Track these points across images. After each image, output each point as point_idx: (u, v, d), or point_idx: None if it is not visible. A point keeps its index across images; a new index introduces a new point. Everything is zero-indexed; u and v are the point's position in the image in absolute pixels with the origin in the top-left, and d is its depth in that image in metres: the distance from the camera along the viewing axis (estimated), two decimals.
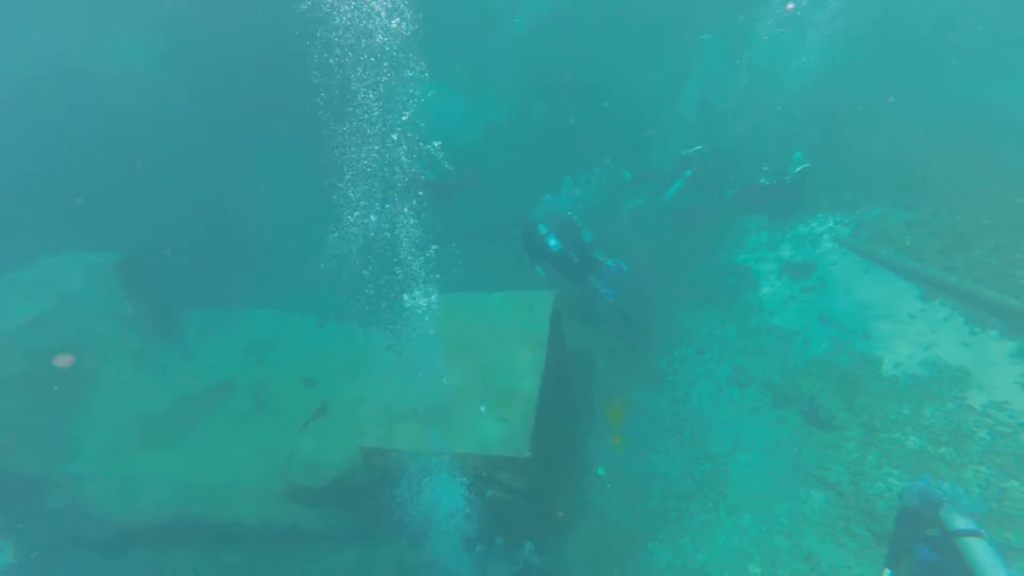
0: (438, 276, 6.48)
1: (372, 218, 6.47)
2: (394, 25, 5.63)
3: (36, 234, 9.45)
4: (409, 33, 5.82)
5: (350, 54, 5.97)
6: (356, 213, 6.78)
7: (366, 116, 6.35)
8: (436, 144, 6.52)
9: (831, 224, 8.87)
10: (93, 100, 10.83)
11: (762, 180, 9.49)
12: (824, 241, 8.62)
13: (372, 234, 6.81)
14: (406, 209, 6.55)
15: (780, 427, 6.97)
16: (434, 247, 6.34)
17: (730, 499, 6.44)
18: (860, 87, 10.56)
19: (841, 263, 8.15)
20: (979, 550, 3.86)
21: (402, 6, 5.86)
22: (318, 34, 5.90)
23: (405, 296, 7.01)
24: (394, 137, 6.23)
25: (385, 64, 6.12)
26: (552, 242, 7.94)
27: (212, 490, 6.49)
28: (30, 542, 6.32)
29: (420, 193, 6.50)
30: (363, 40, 5.86)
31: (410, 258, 6.58)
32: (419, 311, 7.20)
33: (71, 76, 10.86)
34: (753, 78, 10.74)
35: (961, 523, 4.02)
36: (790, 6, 10.26)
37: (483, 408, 5.79)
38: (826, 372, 7.07)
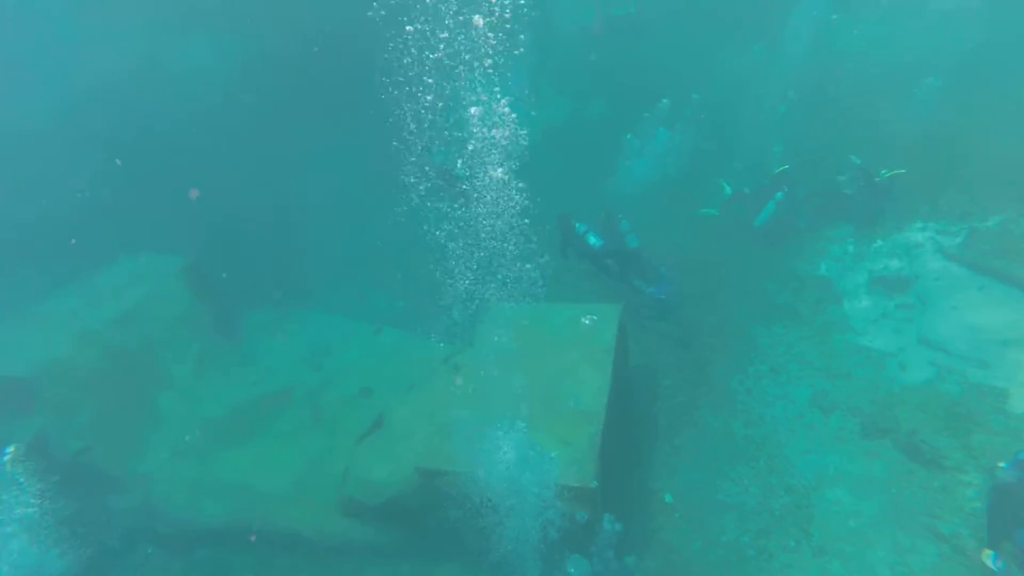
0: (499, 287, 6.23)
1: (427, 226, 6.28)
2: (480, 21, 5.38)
3: (114, 235, 9.93)
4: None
5: (414, 56, 5.78)
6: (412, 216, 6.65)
7: (426, 121, 6.15)
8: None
9: (931, 233, 7.95)
10: (166, 101, 11.24)
11: (845, 189, 8.67)
12: (924, 252, 7.73)
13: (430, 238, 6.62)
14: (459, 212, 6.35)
15: (872, 461, 6.27)
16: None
17: (815, 539, 5.82)
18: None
19: (945, 278, 7.26)
20: None
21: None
22: (386, 37, 5.75)
23: (463, 306, 6.81)
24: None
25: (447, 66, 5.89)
26: (592, 239, 7.81)
27: (269, 498, 6.51)
28: (99, 538, 6.51)
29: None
30: (428, 43, 5.63)
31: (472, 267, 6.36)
32: (478, 323, 6.97)
33: (146, 77, 11.31)
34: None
35: None
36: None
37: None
38: (929, 402, 6.30)
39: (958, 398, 6.19)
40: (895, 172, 8.36)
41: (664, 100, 10.69)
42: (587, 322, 6.33)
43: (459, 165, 7.15)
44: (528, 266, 6.03)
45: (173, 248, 9.32)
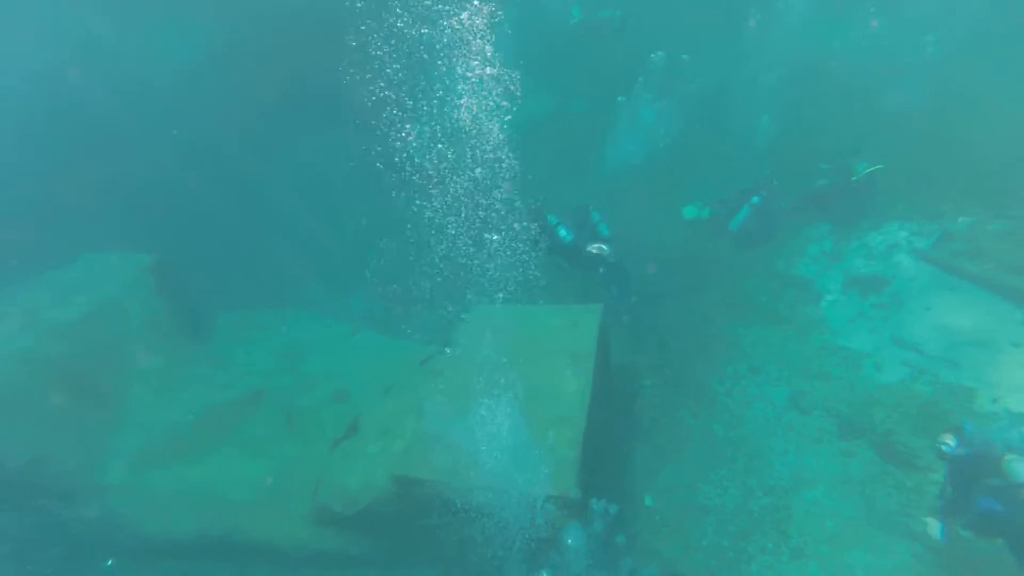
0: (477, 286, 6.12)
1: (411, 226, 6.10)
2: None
3: (79, 231, 9.48)
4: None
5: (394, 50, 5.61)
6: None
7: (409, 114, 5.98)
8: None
9: (906, 234, 8.06)
10: (133, 95, 10.78)
11: (821, 181, 8.70)
12: (899, 253, 7.83)
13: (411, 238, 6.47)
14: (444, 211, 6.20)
15: (848, 461, 6.33)
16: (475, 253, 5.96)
17: (793, 541, 5.85)
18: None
19: (920, 279, 7.36)
20: None
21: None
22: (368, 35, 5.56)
23: (442, 307, 6.67)
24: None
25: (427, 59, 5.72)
26: (563, 232, 7.53)
27: (240, 507, 6.28)
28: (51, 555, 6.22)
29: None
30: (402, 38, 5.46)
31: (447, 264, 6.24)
32: (457, 324, 6.83)
33: (112, 68, 10.81)
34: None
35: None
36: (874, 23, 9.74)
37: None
38: (903, 402, 6.37)
39: (931, 398, 6.27)
40: (873, 168, 8.41)
41: (658, 53, 10.28)
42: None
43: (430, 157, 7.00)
44: (514, 265, 5.93)
45: (139, 246, 8.94)
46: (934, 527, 4.45)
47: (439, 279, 6.35)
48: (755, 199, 8.77)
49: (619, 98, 9.96)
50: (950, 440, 4.48)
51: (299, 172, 11.27)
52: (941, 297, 6.99)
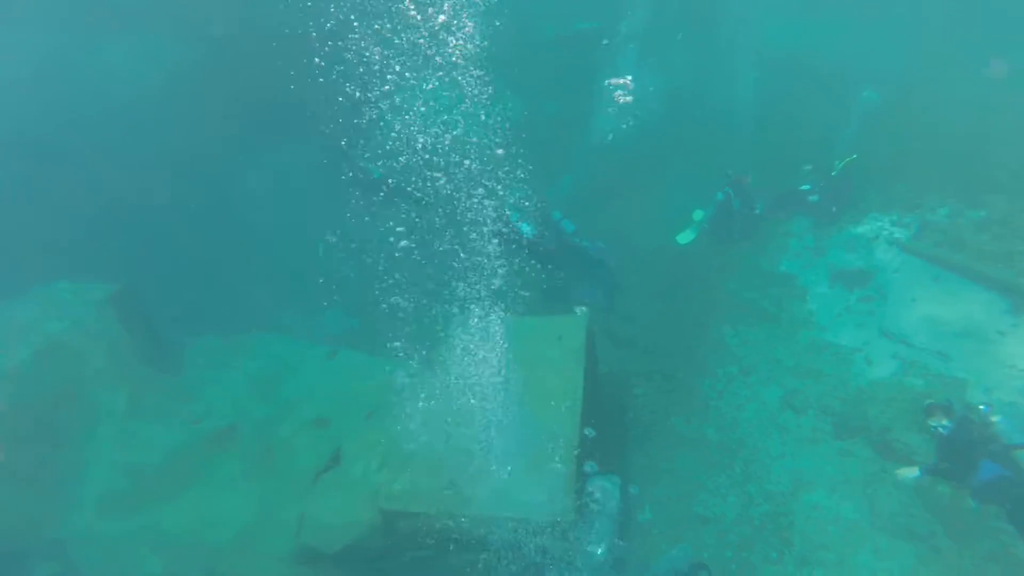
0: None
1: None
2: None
3: (29, 262, 8.91)
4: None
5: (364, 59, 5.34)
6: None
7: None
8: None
9: (885, 225, 8.04)
10: (89, 109, 10.25)
11: (804, 187, 8.65)
12: (881, 245, 7.80)
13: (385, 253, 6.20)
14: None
15: (846, 461, 6.23)
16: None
17: (797, 548, 5.71)
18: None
19: (904, 270, 7.33)
20: None
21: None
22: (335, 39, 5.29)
23: (423, 323, 6.40)
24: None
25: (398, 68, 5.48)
26: (525, 228, 7.33)
27: (216, 550, 5.88)
28: None
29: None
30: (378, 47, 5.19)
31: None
32: (439, 340, 6.55)
33: (67, 82, 10.26)
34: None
35: (1018, 436, 4.11)
36: None
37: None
38: (896, 397, 6.30)
39: (923, 391, 6.20)
40: (848, 160, 8.39)
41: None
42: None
43: (378, 165, 6.76)
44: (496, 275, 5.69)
45: (101, 274, 8.42)
46: (911, 471, 4.68)
47: (418, 292, 6.10)
48: (719, 195, 8.64)
49: (603, 41, 9.56)
50: (943, 419, 4.58)
51: (266, 189, 10.85)
52: (926, 288, 6.96)
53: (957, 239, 7.11)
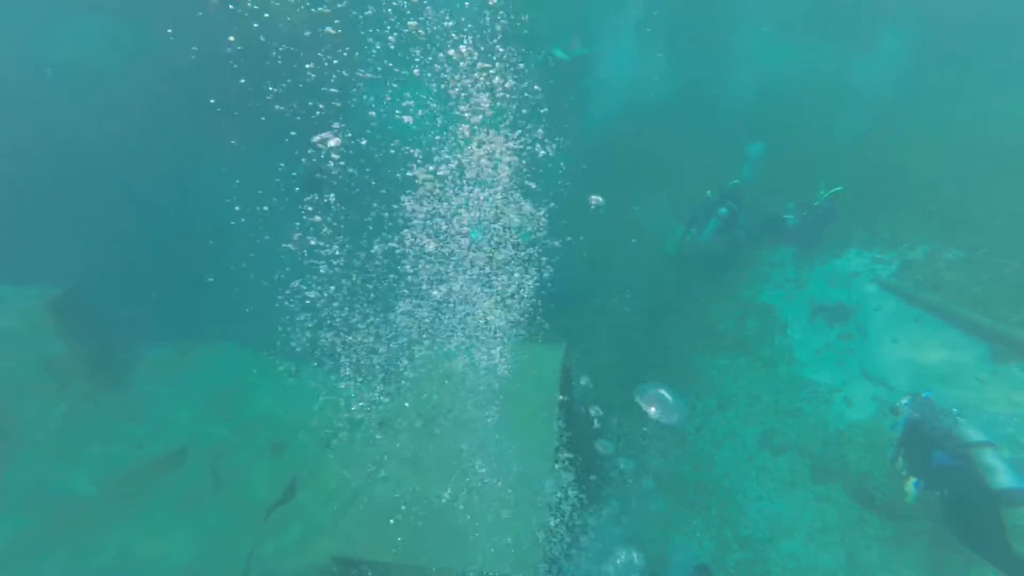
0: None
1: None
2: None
3: None
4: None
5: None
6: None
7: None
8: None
9: (867, 261, 7.99)
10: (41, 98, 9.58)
11: (787, 216, 8.57)
12: (861, 281, 7.73)
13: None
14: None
15: (824, 507, 6.06)
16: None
17: None
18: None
19: (884, 309, 7.26)
20: (990, 457, 4.32)
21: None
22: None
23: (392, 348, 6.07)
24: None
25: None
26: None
27: None
28: None
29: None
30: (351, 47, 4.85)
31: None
32: (407, 367, 6.20)
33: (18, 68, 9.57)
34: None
35: (974, 435, 4.51)
36: None
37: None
38: (876, 442, 6.17)
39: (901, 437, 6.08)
40: (833, 191, 8.33)
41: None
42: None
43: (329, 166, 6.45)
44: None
45: (39, 278, 7.78)
46: (910, 484, 4.83)
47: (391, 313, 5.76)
48: (723, 210, 8.50)
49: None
50: (905, 400, 5.19)
51: (229, 191, 10.28)
52: (906, 329, 6.89)
53: (937, 279, 7.08)
